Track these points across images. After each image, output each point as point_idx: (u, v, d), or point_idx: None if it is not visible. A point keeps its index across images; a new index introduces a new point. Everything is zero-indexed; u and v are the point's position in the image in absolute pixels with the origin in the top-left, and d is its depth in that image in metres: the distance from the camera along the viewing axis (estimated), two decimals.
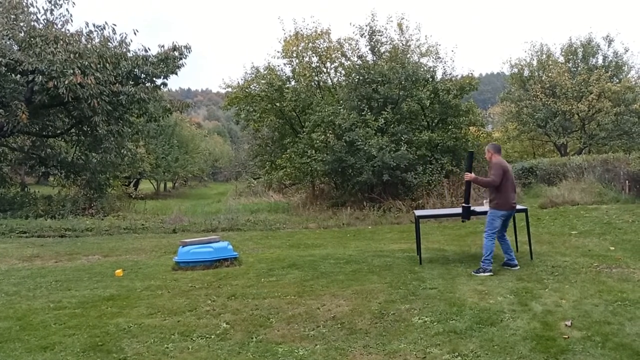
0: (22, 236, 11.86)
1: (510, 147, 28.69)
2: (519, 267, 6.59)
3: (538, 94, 23.78)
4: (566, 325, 4.30)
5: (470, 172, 6.73)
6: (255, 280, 6.43)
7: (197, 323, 4.75)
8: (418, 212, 8.09)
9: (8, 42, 13.14)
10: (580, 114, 23.20)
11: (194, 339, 4.36)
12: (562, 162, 17.31)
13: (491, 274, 6.30)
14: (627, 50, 26.12)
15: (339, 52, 19.13)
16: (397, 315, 4.74)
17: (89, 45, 13.75)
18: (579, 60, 26.00)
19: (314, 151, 15.29)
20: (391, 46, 17.65)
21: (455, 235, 10.39)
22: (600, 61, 25.95)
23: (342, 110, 15.39)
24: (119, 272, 7.16)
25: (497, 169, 6.46)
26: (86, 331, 4.60)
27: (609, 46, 25.86)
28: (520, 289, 5.49)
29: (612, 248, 7.82)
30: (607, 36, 25.69)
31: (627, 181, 13.69)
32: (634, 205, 12.25)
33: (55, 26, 14.17)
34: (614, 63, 25.63)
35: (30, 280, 6.89)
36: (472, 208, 7.00)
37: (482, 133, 18.02)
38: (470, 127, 17.36)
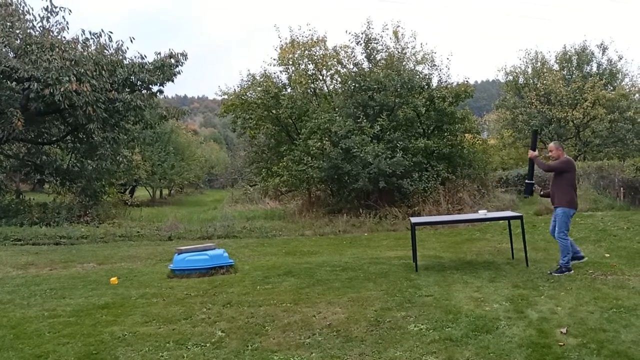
0: (17, 244, 11.80)
1: (506, 154, 28.80)
2: (562, 272, 6.61)
3: (533, 101, 23.91)
4: (562, 332, 4.31)
5: (534, 151, 6.96)
6: (250, 287, 6.42)
7: (193, 331, 4.73)
8: (414, 219, 8.10)
9: (4, 50, 13.12)
10: (575, 121, 23.32)
11: (189, 347, 4.34)
12: None
13: (571, 272, 6.50)
14: (621, 58, 26.28)
15: (335, 60, 19.17)
16: (393, 323, 4.74)
17: (85, 53, 13.76)
18: (573, 68, 26.19)
19: (310, 158, 15.31)
20: (387, 54, 17.70)
21: (451, 242, 10.41)
22: (594, 69, 26.15)
23: (338, 117, 15.42)
24: (113, 279, 7.13)
25: (567, 163, 6.66)
26: (80, 340, 4.57)
27: (603, 54, 26.09)
28: (516, 296, 5.49)
29: (607, 255, 7.85)
30: (601, 44, 25.93)
31: (621, 188, 13.76)
32: (629, 212, 12.31)
33: (51, 33, 14.17)
34: (608, 71, 25.83)
35: (24, 288, 6.85)
36: (535, 186, 7.18)
37: (477, 140, 18.08)
38: (466, 134, 17.43)
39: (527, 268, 6.97)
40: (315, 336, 4.51)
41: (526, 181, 7.26)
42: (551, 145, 7.02)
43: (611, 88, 24.84)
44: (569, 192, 6.62)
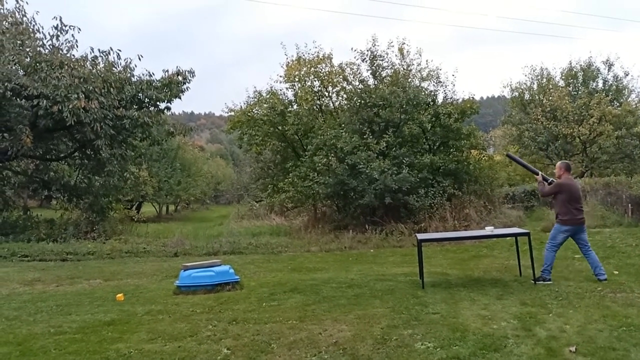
0: (24, 260, 11.82)
1: (512, 170, 28.72)
2: (606, 279, 6.93)
3: (539, 117, 23.92)
4: (571, 351, 4.25)
5: (538, 175, 7.57)
6: (256, 304, 6.39)
7: (198, 349, 4.71)
8: (420, 236, 8.06)
9: (14, 67, 13.30)
10: (581, 137, 23.29)
11: None
12: None
13: (550, 282, 6.89)
14: (627, 74, 26.30)
15: (341, 77, 19.33)
16: (400, 341, 4.70)
17: (93, 70, 13.92)
18: (579, 84, 26.22)
19: (316, 174, 15.33)
20: (392, 70, 17.81)
21: (458, 259, 10.34)
22: (600, 85, 26.16)
23: (344, 133, 15.48)
24: (120, 296, 7.12)
25: (557, 186, 7.16)
26: (86, 357, 4.56)
27: (608, 70, 26.14)
28: (524, 313, 5.44)
29: (616, 272, 7.77)
30: (607, 60, 25.97)
31: (629, 204, 13.68)
32: (637, 228, 12.23)
33: (60, 51, 14.36)
34: (614, 87, 25.85)
35: (31, 304, 6.86)
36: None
37: (483, 156, 18.06)
38: (472, 150, 17.41)
39: (534, 285, 6.91)
40: (322, 354, 4.47)
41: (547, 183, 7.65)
42: (557, 164, 7.49)
43: (617, 104, 24.84)
44: (561, 210, 7.14)
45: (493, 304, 5.95)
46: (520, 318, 5.26)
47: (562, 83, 26.17)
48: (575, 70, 26.22)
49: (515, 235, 7.92)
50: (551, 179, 7.54)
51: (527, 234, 7.44)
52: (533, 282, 7.03)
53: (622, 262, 8.75)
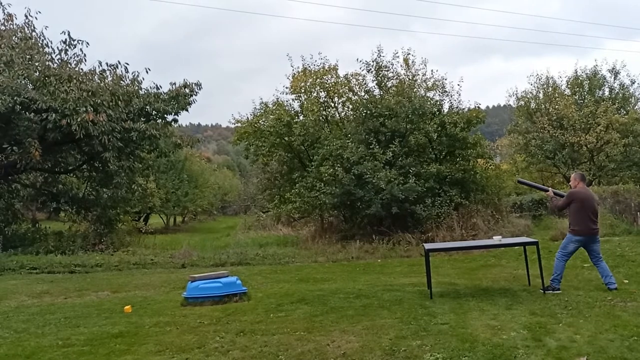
0: (32, 272, 11.86)
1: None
2: (616, 288, 6.90)
3: (545, 126, 23.83)
4: None
5: (548, 191, 7.80)
6: (264, 315, 6.38)
7: None
8: (427, 246, 8.04)
9: (23, 81, 13.45)
10: (588, 146, 23.18)
11: None
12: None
13: (559, 292, 6.90)
14: (633, 83, 26.18)
15: (347, 87, 19.38)
16: (409, 352, 4.67)
17: (101, 84, 14.04)
18: (585, 93, 26.12)
19: (322, 184, 15.34)
20: (398, 81, 17.87)
21: (466, 269, 10.29)
22: (606, 93, 26.06)
23: (350, 143, 15.50)
24: (127, 308, 7.12)
25: (569, 196, 7.26)
26: None
27: (615, 78, 26.03)
28: (534, 323, 5.40)
29: (626, 281, 7.71)
30: (613, 68, 25.88)
31: (638, 213, 13.58)
32: None
33: (69, 65, 14.51)
34: (620, 95, 25.74)
35: (39, 317, 6.88)
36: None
37: (490, 165, 18.01)
38: (478, 160, 17.38)
39: (544, 295, 6.86)
40: None
41: (557, 196, 7.77)
42: (572, 175, 7.66)
43: (624, 112, 24.74)
44: (573, 219, 7.21)
45: (502, 314, 5.91)
46: (530, 328, 5.22)
47: (568, 91, 26.09)
48: (581, 78, 26.16)
49: (524, 244, 7.89)
50: (563, 192, 7.59)
51: (536, 243, 7.40)
52: (542, 291, 6.98)
53: (632, 270, 8.68)
